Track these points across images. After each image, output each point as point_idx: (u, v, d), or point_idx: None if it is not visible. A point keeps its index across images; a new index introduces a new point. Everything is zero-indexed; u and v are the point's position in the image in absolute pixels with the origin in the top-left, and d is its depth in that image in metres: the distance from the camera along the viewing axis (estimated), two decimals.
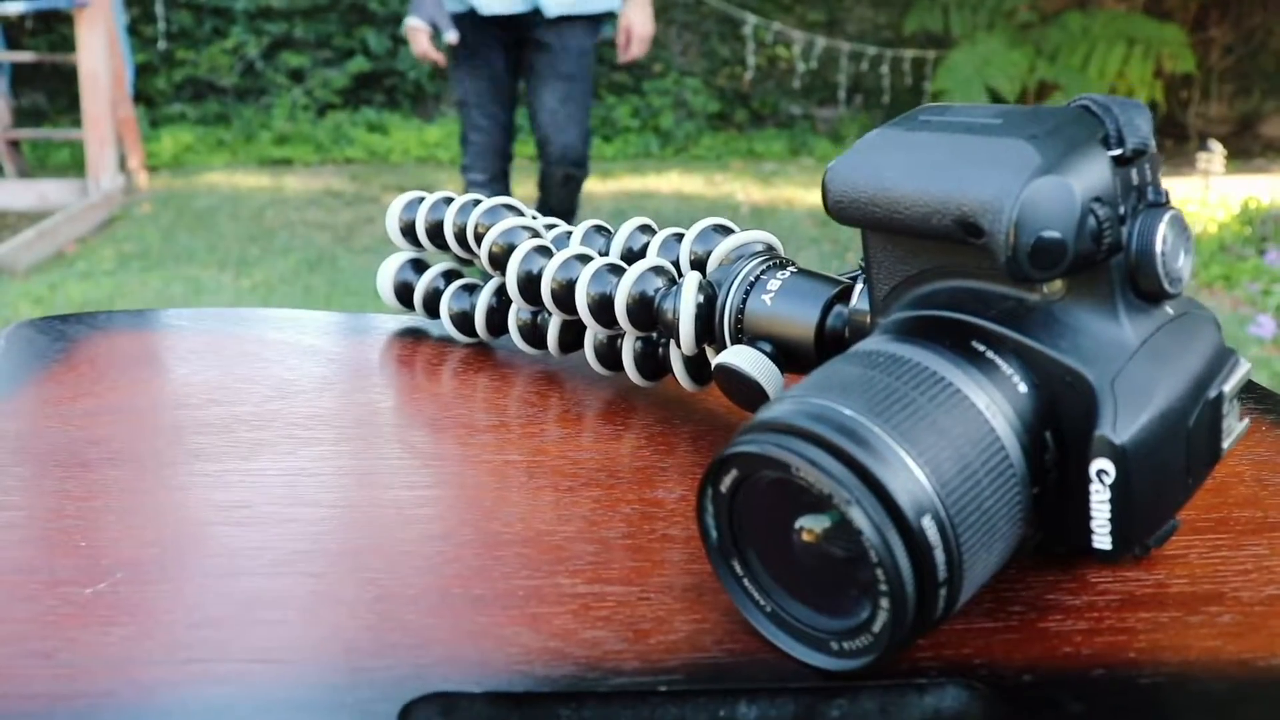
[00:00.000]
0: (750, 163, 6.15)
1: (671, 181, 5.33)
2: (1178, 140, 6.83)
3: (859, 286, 0.40)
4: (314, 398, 0.50)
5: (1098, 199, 0.31)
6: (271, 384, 0.51)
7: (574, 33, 2.79)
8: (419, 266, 0.60)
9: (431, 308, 0.59)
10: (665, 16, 6.93)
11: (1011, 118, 0.34)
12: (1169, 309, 0.34)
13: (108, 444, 0.45)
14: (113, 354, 0.55)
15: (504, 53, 2.84)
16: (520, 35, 2.81)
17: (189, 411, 0.48)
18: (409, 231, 0.59)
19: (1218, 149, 4.64)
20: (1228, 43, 7.39)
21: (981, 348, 0.32)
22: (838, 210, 0.35)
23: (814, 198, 5.05)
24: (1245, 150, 6.61)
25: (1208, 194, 4.48)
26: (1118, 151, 0.32)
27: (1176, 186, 0.34)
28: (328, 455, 0.44)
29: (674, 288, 0.46)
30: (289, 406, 0.49)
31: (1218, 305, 3.18)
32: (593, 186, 4.86)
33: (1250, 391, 0.55)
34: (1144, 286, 0.32)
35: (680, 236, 0.49)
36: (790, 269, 0.44)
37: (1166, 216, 0.32)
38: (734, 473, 0.31)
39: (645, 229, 0.51)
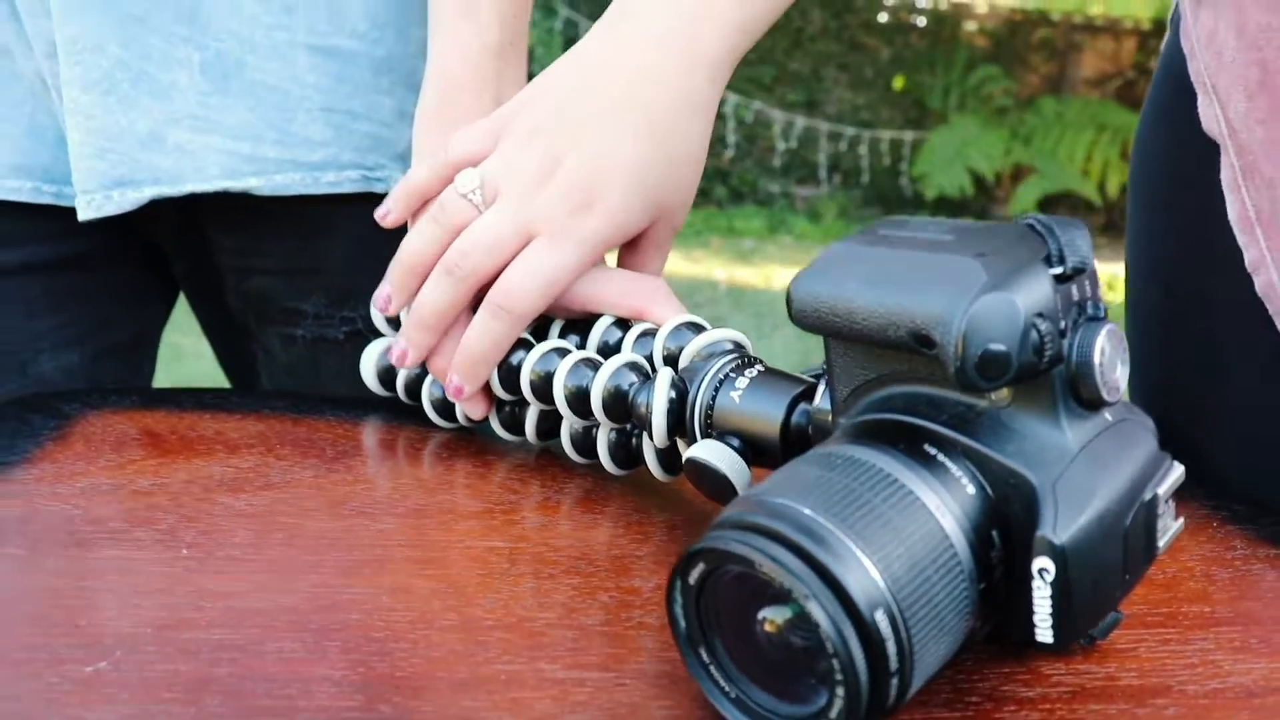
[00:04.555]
0: (729, 240, 6.22)
1: None
2: None
3: (821, 387, 0.42)
4: (301, 482, 0.52)
5: (1040, 314, 0.34)
6: (258, 467, 0.53)
7: None
8: None
9: (413, 393, 0.61)
10: None
11: (962, 235, 0.36)
12: (1108, 415, 0.36)
13: (105, 524, 0.47)
14: (108, 433, 0.57)
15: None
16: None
17: (179, 492, 0.50)
18: (393, 319, 0.61)
19: None
20: None
21: (933, 451, 0.35)
22: (801, 319, 0.38)
23: (792, 276, 5.10)
24: None
25: None
26: (1059, 270, 0.35)
27: None
28: (315, 540, 0.46)
29: (647, 383, 0.49)
30: (276, 491, 0.51)
31: None
32: None
33: (1201, 485, 0.57)
34: (1084, 395, 0.35)
35: (653, 333, 0.52)
36: (758, 367, 0.47)
37: (1104, 330, 0.35)
38: (701, 566, 0.33)
39: (619, 324, 0.54)
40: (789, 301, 0.38)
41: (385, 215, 0.56)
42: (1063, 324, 0.35)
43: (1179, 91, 0.64)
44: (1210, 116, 0.61)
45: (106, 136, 0.66)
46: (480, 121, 0.54)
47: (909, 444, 0.35)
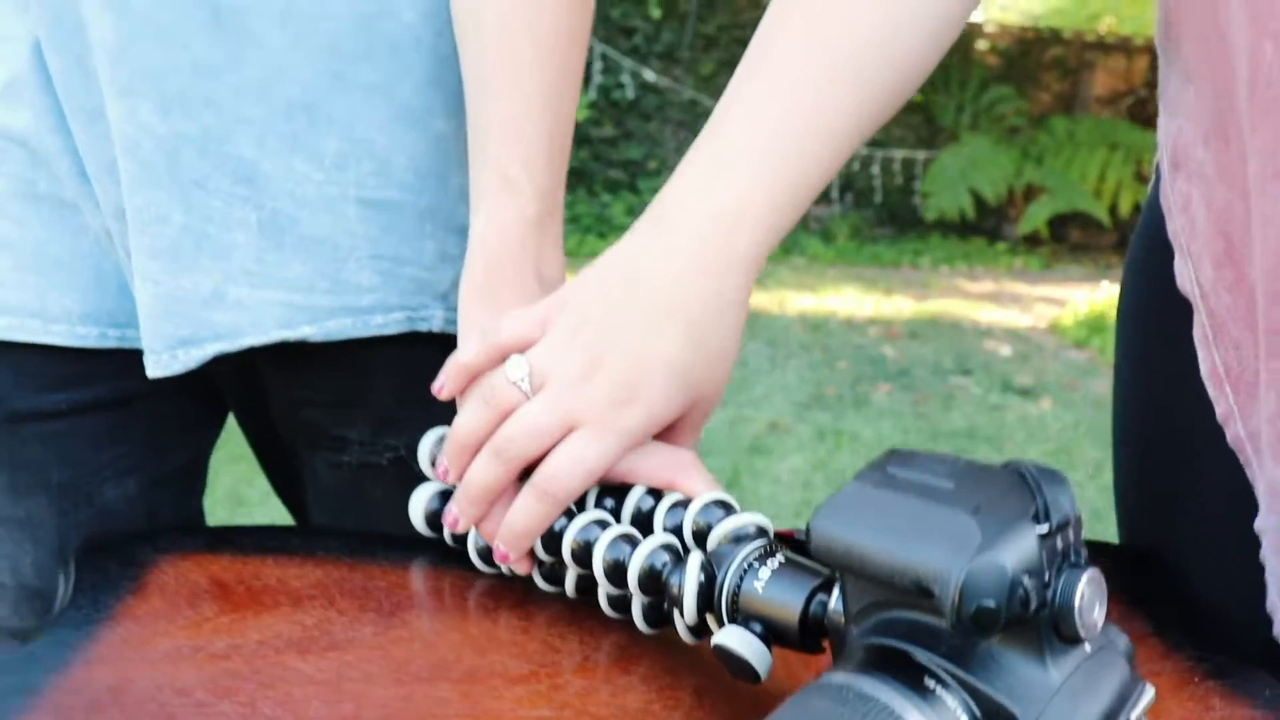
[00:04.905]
0: None
1: None
2: None
3: (836, 589, 0.47)
4: (363, 641, 0.57)
5: (1027, 571, 0.39)
6: (322, 624, 0.59)
7: None
8: (447, 497, 0.68)
9: (459, 538, 0.66)
10: (661, 115, 7.09)
11: (961, 483, 0.42)
12: (1087, 646, 0.41)
13: (191, 695, 0.52)
14: (181, 585, 0.62)
15: None
16: None
17: (253, 654, 0.55)
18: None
19: None
20: None
21: (932, 684, 0.40)
22: (818, 555, 0.43)
23: (805, 301, 5.14)
24: None
25: None
26: (1044, 528, 0.40)
27: None
28: (380, 710, 0.51)
29: (679, 565, 0.54)
30: (341, 653, 0.56)
31: None
32: None
33: (1188, 629, 0.62)
34: (1065, 633, 0.40)
35: (684, 504, 0.57)
36: (779, 557, 0.52)
37: (1085, 577, 0.40)
38: None
39: (652, 492, 0.59)
40: (808, 536, 0.43)
41: (440, 389, 0.61)
42: (1046, 576, 0.40)
43: (1160, 245, 0.69)
44: (1185, 276, 0.66)
45: (172, 300, 0.72)
46: (530, 309, 0.59)
47: (911, 676, 0.40)
